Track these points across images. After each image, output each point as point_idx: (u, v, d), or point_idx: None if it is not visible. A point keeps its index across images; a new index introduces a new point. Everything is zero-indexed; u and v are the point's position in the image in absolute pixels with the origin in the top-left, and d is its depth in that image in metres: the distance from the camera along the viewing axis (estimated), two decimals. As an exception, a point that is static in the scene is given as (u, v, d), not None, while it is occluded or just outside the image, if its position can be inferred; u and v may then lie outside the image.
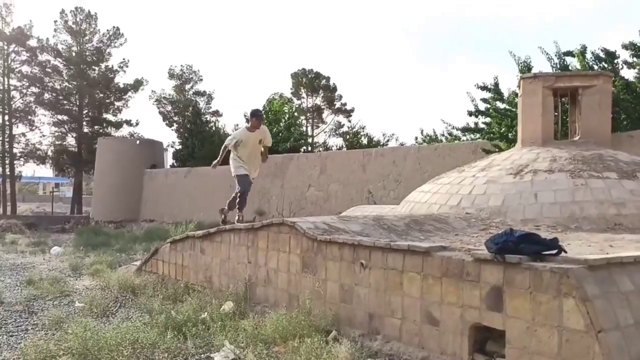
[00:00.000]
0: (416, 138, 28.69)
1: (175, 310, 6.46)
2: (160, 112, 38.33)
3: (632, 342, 3.64)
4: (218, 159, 9.14)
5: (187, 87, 39.42)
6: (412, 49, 64.67)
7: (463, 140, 17.54)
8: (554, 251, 4.07)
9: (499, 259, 4.12)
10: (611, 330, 3.56)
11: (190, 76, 39.43)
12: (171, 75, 39.14)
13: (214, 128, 28.26)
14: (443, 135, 20.85)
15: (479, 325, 4.30)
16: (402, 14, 65.22)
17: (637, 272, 4.03)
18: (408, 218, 7.22)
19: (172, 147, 33.64)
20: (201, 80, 39.99)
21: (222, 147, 8.97)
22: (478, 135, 15.43)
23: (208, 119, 32.65)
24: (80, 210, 32.03)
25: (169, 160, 30.86)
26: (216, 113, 38.17)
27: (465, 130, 16.96)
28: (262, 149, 8.90)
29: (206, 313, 6.34)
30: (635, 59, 12.73)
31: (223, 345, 5.20)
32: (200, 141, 26.13)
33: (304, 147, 26.82)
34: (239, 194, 8.71)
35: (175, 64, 54.41)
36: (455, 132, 18.44)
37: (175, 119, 37.50)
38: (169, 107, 38.37)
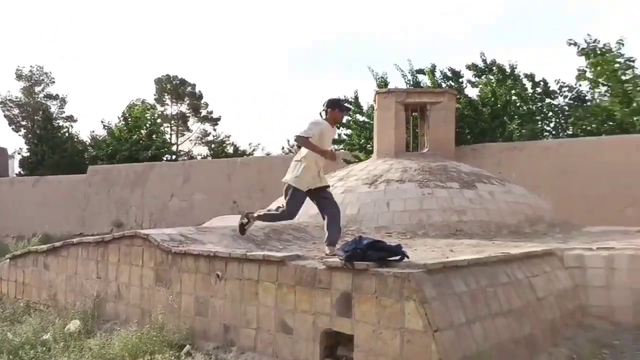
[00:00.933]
0: (282, 148, 29.07)
1: (12, 332, 5.90)
2: (5, 116, 34.86)
3: (465, 340, 3.95)
4: (321, 149, 5.49)
5: (37, 89, 36.31)
6: (280, 60, 65.53)
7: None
8: (398, 257, 4.31)
9: (348, 266, 4.26)
10: (446, 329, 3.84)
11: (41, 78, 36.33)
12: (19, 77, 35.83)
13: (67, 134, 26.33)
14: (308, 145, 21.29)
15: (329, 330, 4.41)
16: (272, 26, 65.86)
17: (469, 275, 4.40)
18: (267, 228, 7.26)
19: (19, 154, 30.75)
20: (53, 82, 36.96)
21: (304, 139, 5.46)
22: (341, 146, 16.00)
23: (61, 124, 30.26)
24: None
25: (15, 168, 28.23)
26: (70, 118, 35.56)
27: (328, 141, 17.49)
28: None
29: (49, 334, 5.86)
30: (477, 78, 14.05)
31: (65, 368, 4.83)
32: (52, 148, 24.21)
33: (168, 156, 25.88)
34: (280, 213, 5.85)
35: (24, 65, 49.96)
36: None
37: (23, 123, 34.30)
38: (16, 111, 35.04)
